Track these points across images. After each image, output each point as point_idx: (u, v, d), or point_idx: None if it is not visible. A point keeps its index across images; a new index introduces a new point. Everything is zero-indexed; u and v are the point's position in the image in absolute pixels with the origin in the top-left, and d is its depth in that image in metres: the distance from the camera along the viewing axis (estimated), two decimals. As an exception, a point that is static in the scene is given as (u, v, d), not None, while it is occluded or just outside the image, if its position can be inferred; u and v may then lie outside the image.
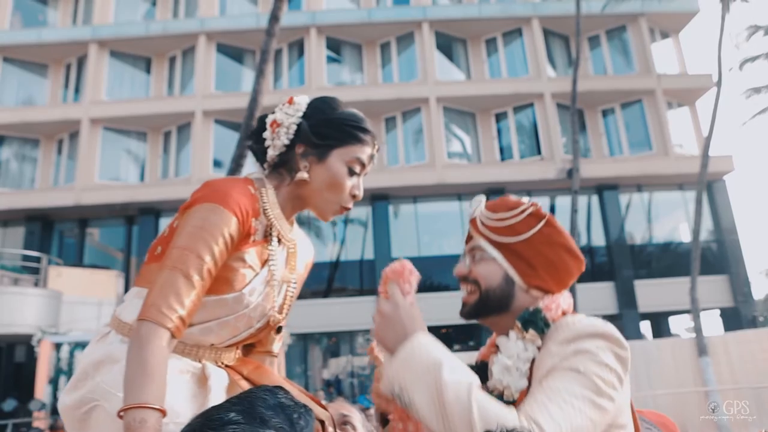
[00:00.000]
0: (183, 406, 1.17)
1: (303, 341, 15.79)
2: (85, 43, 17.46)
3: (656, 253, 16.90)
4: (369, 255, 16.31)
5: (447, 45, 18.21)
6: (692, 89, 17.46)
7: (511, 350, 1.14)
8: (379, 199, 16.51)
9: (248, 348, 1.44)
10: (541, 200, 17.10)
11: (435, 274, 16.32)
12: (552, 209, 16.78)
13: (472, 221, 1.28)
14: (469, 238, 1.29)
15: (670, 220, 17.33)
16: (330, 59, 18.03)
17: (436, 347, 1.05)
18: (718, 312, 16.50)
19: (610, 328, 1.09)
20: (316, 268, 16.67)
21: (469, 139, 17.73)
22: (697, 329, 12.62)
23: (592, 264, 16.64)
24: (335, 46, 18.13)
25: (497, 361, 1.15)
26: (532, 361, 1.12)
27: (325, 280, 16.52)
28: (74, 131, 17.15)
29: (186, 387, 1.21)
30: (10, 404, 11.84)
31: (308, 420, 0.81)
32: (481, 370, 1.26)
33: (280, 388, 0.85)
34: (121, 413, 1.01)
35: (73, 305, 12.88)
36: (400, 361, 1.03)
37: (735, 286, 15.80)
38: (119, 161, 17.44)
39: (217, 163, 16.59)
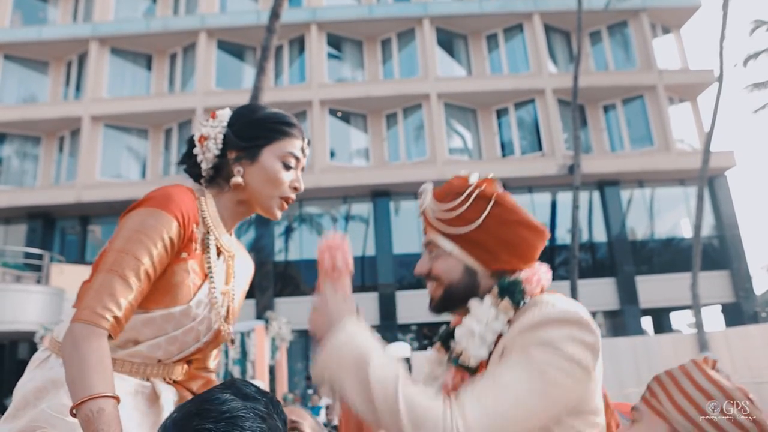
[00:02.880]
0: (133, 429, 1.14)
1: (305, 337, 15.83)
2: (85, 41, 17.45)
3: (657, 248, 16.89)
4: (370, 251, 16.32)
5: (448, 41, 18.18)
6: (694, 84, 17.42)
7: (481, 315, 1.10)
8: (380, 195, 16.51)
9: (188, 362, 1.40)
10: (542, 196, 17.10)
11: (436, 271, 16.32)
12: (553, 205, 16.78)
13: (423, 214, 1.22)
14: (425, 230, 1.23)
15: (671, 215, 17.32)
16: (331, 56, 18.00)
17: (363, 338, 1.03)
18: (719, 307, 16.50)
19: (580, 313, 1.04)
20: (317, 264, 16.68)
21: (470, 135, 17.71)
22: (699, 325, 12.64)
23: (594, 260, 16.64)
24: (336, 43, 18.10)
25: (464, 323, 1.12)
26: (499, 335, 1.08)
27: (327, 277, 16.53)
28: (75, 129, 17.17)
29: (134, 408, 1.19)
30: (13, 401, 11.85)
31: (278, 404, 0.87)
32: (451, 336, 1.24)
33: (238, 380, 0.87)
34: (74, 410, 0.98)
35: (76, 302, 12.88)
36: (329, 351, 1.02)
37: (736, 282, 15.79)
38: (120, 158, 17.45)
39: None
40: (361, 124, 17.65)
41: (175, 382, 1.31)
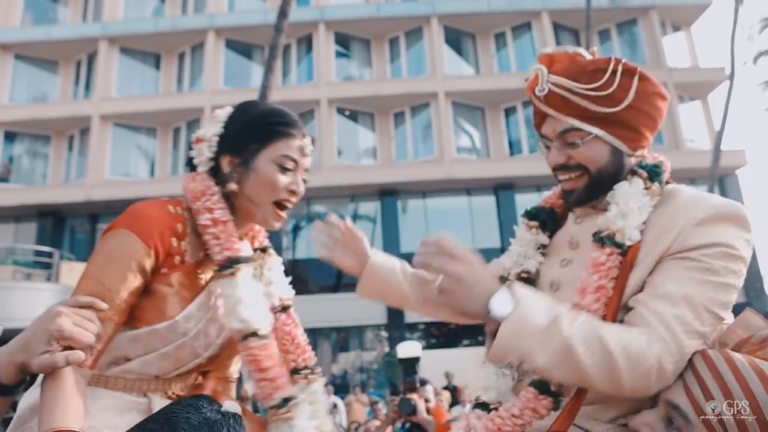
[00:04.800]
0: None
1: (312, 336, 15.76)
2: (95, 40, 17.55)
3: (667, 248, 16.76)
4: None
5: (456, 39, 18.13)
6: (704, 83, 17.28)
7: (634, 197, 1.07)
8: (387, 194, 16.50)
9: (204, 373, 1.36)
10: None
11: (444, 270, 16.29)
12: (561, 204, 16.70)
13: (545, 98, 1.12)
14: (542, 119, 1.16)
15: (681, 214, 17.18)
16: (338, 54, 18.01)
17: (536, 301, 0.96)
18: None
19: (743, 209, 1.04)
20: (325, 263, 16.70)
21: (478, 133, 17.66)
22: (708, 325, 12.56)
23: (602, 259, 16.54)
24: (344, 41, 18.10)
25: (614, 205, 1.09)
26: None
27: (334, 276, 16.55)
28: (85, 127, 17.28)
29: (125, 426, 1.14)
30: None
31: (238, 430, 0.79)
32: (550, 217, 1.26)
33: (204, 398, 0.81)
34: None
35: (85, 300, 12.96)
36: (510, 329, 0.92)
37: (747, 282, 15.28)
38: (129, 157, 17.55)
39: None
40: (368, 122, 17.65)
41: (177, 396, 1.27)
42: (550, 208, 1.28)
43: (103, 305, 1.03)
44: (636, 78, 1.10)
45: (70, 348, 0.96)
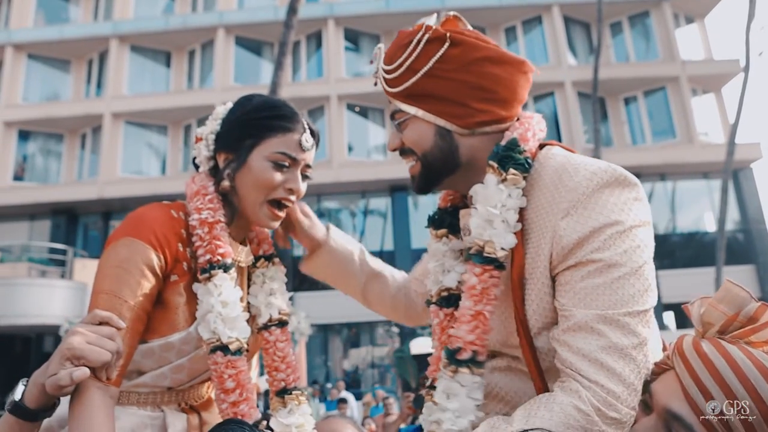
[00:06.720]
0: None
1: (324, 332, 15.90)
2: (106, 39, 17.67)
3: (680, 242, 16.61)
4: (389, 246, 16.31)
5: (466, 34, 18.04)
6: (718, 75, 17.06)
7: (492, 198, 0.93)
8: (398, 190, 16.48)
9: None
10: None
11: (455, 265, 16.25)
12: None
13: (379, 80, 1.07)
14: (389, 100, 1.07)
15: (694, 209, 17.02)
16: (348, 50, 17.99)
17: None
18: (744, 302, 16.20)
19: (609, 170, 0.91)
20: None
21: (489, 129, 17.58)
22: (723, 320, 12.43)
23: (615, 254, 16.44)
24: (353, 37, 18.08)
25: (475, 213, 0.95)
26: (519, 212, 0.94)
27: (345, 272, 16.58)
28: (97, 126, 17.42)
29: None
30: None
31: None
32: (455, 216, 1.10)
33: (244, 423, 0.82)
34: None
35: (99, 297, 13.12)
36: None
37: (762, 276, 15.48)
38: (141, 155, 17.68)
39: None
40: (379, 118, 17.63)
41: (190, 408, 1.23)
42: (452, 208, 1.12)
43: (121, 324, 0.97)
44: (445, 45, 0.97)
45: (87, 367, 0.92)
